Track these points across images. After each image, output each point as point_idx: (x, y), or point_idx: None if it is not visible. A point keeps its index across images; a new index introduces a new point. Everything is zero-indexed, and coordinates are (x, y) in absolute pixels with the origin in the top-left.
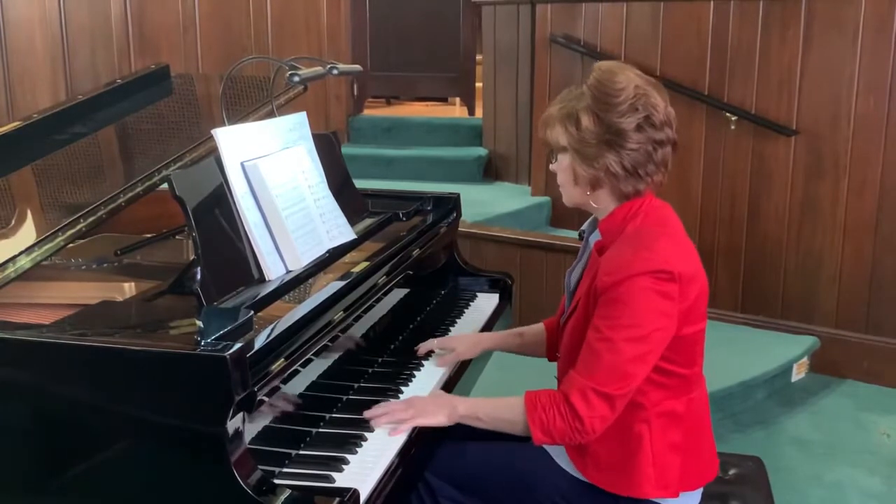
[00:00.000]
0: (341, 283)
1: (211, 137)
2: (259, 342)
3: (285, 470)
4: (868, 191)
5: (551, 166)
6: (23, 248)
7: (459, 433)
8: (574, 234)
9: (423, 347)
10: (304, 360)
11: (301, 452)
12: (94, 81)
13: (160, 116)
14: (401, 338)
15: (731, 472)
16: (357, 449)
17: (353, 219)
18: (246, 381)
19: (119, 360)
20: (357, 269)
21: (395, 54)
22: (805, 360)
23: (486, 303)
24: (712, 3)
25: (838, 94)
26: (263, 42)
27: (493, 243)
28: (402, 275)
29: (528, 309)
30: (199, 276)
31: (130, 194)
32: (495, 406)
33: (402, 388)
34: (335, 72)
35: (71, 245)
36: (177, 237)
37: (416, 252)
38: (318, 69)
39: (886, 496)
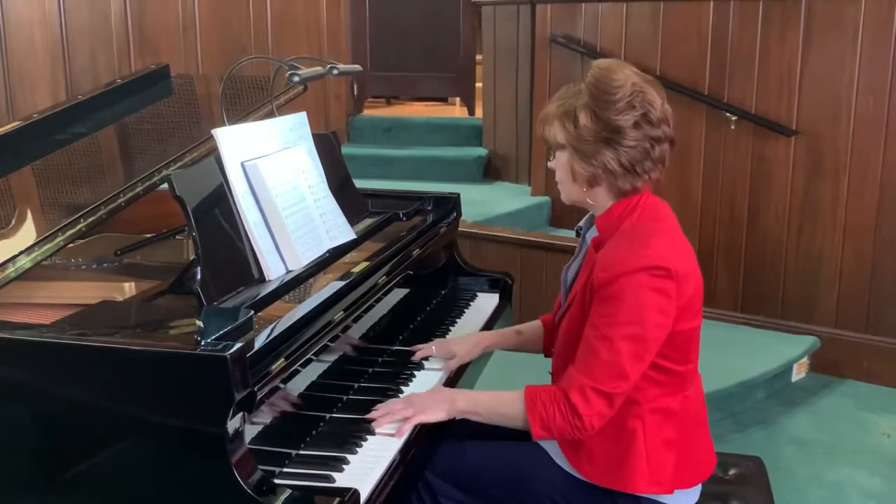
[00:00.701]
0: (341, 283)
1: (211, 137)
2: (259, 342)
3: (285, 470)
4: (868, 191)
5: (549, 163)
6: (23, 248)
7: (460, 432)
8: (574, 234)
9: (420, 353)
10: (304, 360)
11: (301, 452)
12: (94, 81)
13: (160, 116)
14: (401, 338)
15: (731, 472)
16: (357, 449)
17: (353, 219)
18: (246, 381)
19: (119, 360)
20: (357, 269)
21: (395, 54)
22: (805, 360)
23: (486, 303)
24: (712, 3)
25: (838, 94)
26: (263, 42)
27: (493, 243)
28: (402, 275)
29: (528, 309)
30: (199, 276)
31: (130, 194)
32: (495, 400)
33: (403, 388)
34: (335, 72)
35: (71, 245)
36: (177, 237)
37: (416, 252)
38: (318, 69)
39: (886, 496)
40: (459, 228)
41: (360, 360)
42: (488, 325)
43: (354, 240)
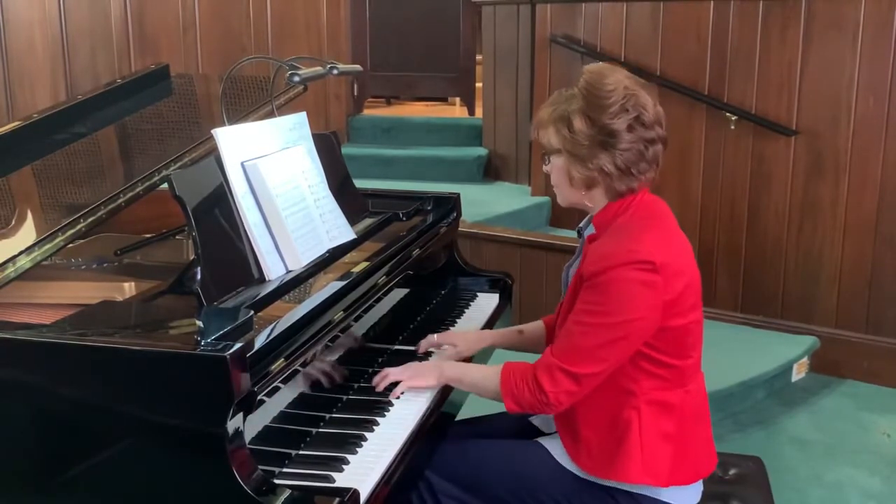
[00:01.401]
0: (341, 283)
1: (211, 137)
2: (259, 342)
3: (285, 470)
4: (868, 191)
5: (544, 168)
6: (23, 248)
7: (460, 432)
8: (574, 234)
9: (423, 344)
10: (304, 360)
11: (301, 452)
12: (94, 81)
13: (160, 116)
14: (401, 338)
15: (731, 472)
16: (357, 449)
17: (353, 219)
18: (246, 381)
19: (119, 360)
20: (357, 269)
21: (395, 54)
22: (805, 360)
23: (486, 303)
24: (712, 3)
25: (838, 94)
26: (263, 42)
27: (493, 243)
28: (402, 275)
29: (528, 309)
30: (199, 276)
31: (130, 194)
32: (478, 373)
33: None
34: (335, 72)
35: (71, 245)
36: (177, 237)
37: (416, 252)
38: (318, 69)
39: (886, 496)
40: (459, 228)
41: (361, 360)
42: (488, 325)
43: (354, 240)
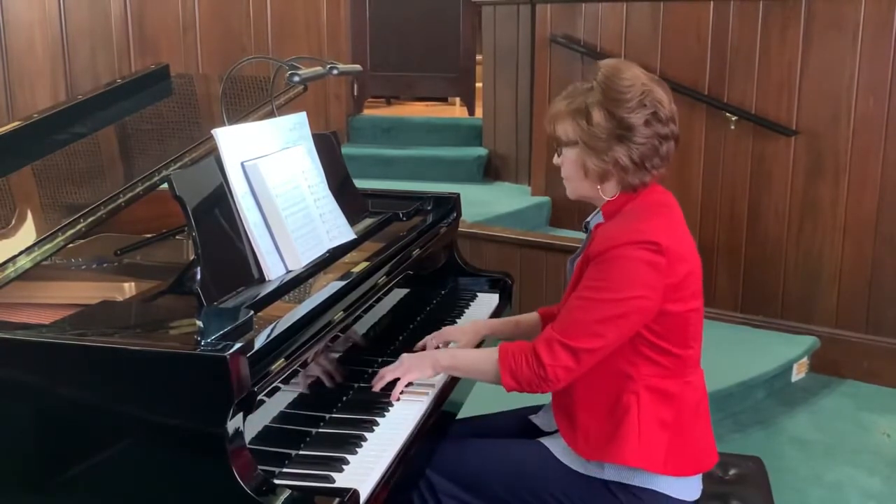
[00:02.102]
0: (341, 283)
1: (211, 137)
2: (259, 342)
3: (285, 470)
4: (868, 191)
5: (555, 160)
6: (23, 248)
7: (460, 431)
8: (574, 234)
9: (419, 346)
10: (304, 360)
11: (301, 452)
12: (94, 81)
13: (160, 116)
14: (401, 338)
15: (731, 472)
16: (357, 449)
17: (353, 219)
18: (246, 381)
19: (119, 360)
20: (357, 269)
21: (395, 54)
22: (805, 360)
23: (486, 303)
24: (712, 3)
25: (838, 94)
26: (263, 42)
27: (493, 243)
28: (402, 275)
29: (529, 309)
30: (199, 276)
31: (130, 194)
32: (473, 356)
33: None
34: (335, 72)
35: (71, 245)
36: (177, 237)
37: (416, 252)
38: (318, 69)
39: (886, 496)
40: (459, 228)
41: (360, 360)
42: None
43: (354, 240)
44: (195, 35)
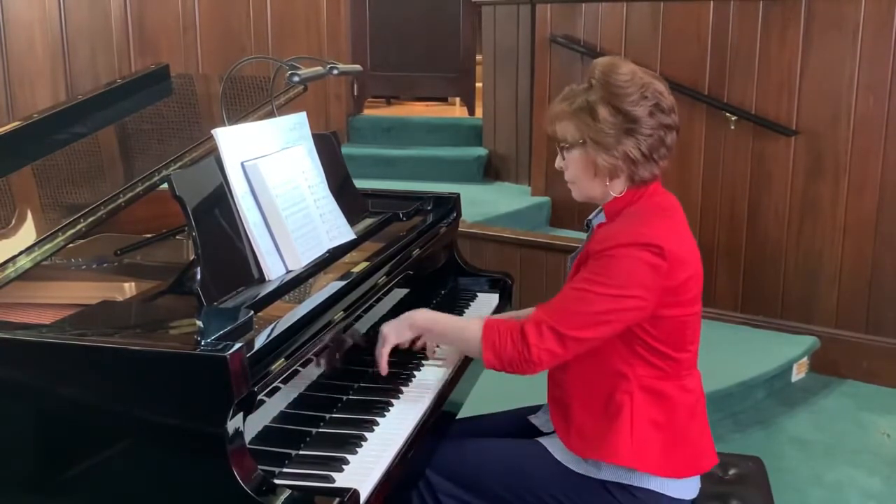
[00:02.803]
0: (341, 283)
1: (211, 137)
2: (259, 342)
3: (285, 470)
4: (868, 190)
5: (558, 164)
6: (23, 248)
7: (460, 431)
8: (574, 234)
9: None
10: (304, 360)
11: (301, 452)
12: (94, 81)
13: (160, 116)
14: None
15: (731, 472)
16: (357, 449)
17: (353, 219)
18: (246, 381)
19: (119, 360)
20: (357, 269)
21: (395, 54)
22: (805, 360)
23: (486, 303)
24: (712, 3)
25: (838, 94)
26: (263, 42)
27: (493, 243)
28: (402, 275)
29: None
30: (199, 276)
31: (130, 194)
32: (454, 323)
33: (403, 388)
34: (335, 72)
35: (71, 245)
36: (177, 237)
37: (416, 252)
38: (318, 69)
39: (886, 496)
40: (459, 228)
41: (360, 360)
42: None
43: (354, 240)
44: (195, 35)
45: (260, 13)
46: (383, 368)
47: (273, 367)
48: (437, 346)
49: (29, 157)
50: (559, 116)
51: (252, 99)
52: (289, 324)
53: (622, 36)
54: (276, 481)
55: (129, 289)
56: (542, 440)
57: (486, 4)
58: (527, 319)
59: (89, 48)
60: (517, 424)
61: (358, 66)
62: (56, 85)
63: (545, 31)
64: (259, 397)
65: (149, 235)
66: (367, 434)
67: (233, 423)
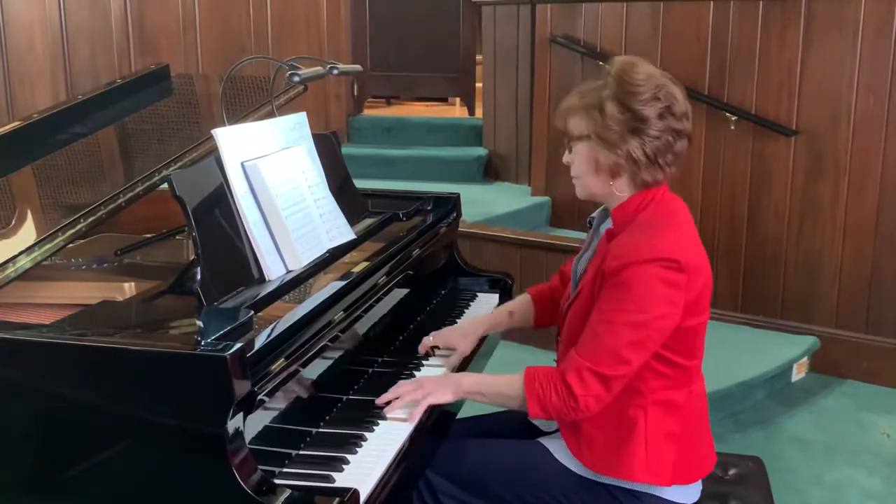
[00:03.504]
0: (341, 283)
1: (211, 137)
2: (259, 342)
3: (285, 470)
4: (868, 191)
5: (565, 158)
6: (23, 248)
7: (460, 431)
8: (574, 234)
9: (423, 348)
10: (304, 360)
11: (301, 452)
12: (94, 81)
13: (160, 116)
14: (401, 338)
15: (731, 472)
16: (357, 449)
17: (353, 219)
18: (246, 381)
19: (119, 360)
20: (357, 269)
21: (395, 54)
22: (805, 360)
23: (486, 303)
24: (712, 3)
25: (838, 94)
26: (263, 42)
27: (493, 243)
28: (402, 275)
29: None
30: (199, 276)
31: (130, 194)
32: (497, 382)
33: None
34: (335, 72)
35: (71, 245)
36: (177, 237)
37: (416, 252)
38: (318, 69)
39: (886, 496)
40: (459, 228)
41: (360, 360)
42: None
43: (354, 240)
44: (195, 35)
45: (260, 13)
46: (412, 418)
47: (273, 367)
48: (437, 348)
49: (29, 157)
50: (570, 109)
51: (252, 99)
52: (289, 324)
53: (622, 36)
54: (276, 481)
55: (129, 289)
56: (543, 440)
57: (486, 4)
58: (566, 367)
59: (89, 48)
60: (518, 424)
61: (358, 66)
62: (56, 85)
63: (545, 31)
64: (259, 397)
65: (149, 235)
66: (367, 434)
67: (233, 423)
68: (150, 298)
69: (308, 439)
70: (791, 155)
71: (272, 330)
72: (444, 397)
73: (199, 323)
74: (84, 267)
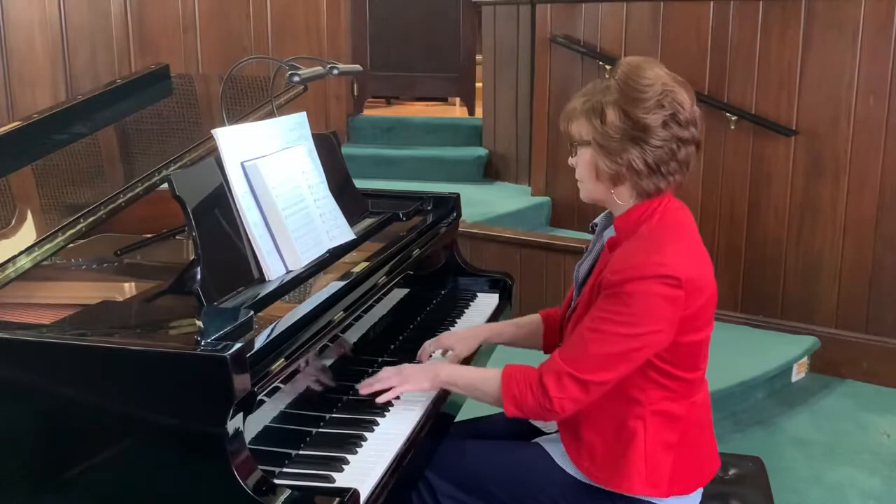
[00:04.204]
0: (341, 283)
1: (211, 137)
2: (259, 342)
3: (285, 470)
4: (868, 190)
5: (570, 161)
6: (23, 248)
7: (460, 432)
8: (574, 234)
9: (421, 355)
10: (304, 360)
11: (301, 452)
12: (94, 81)
13: (160, 116)
14: (401, 338)
15: (731, 472)
16: (357, 449)
17: (353, 219)
18: (246, 381)
19: (119, 360)
20: (357, 269)
21: (395, 54)
22: (805, 360)
23: (486, 303)
24: (712, 3)
25: (838, 94)
26: (263, 42)
27: (493, 243)
28: (402, 275)
29: (528, 309)
30: (199, 276)
31: (130, 194)
32: (475, 376)
33: None
34: (335, 72)
35: (71, 245)
36: (177, 237)
37: (416, 252)
38: (318, 69)
39: (886, 496)
40: (459, 228)
41: (360, 360)
42: None
43: (354, 240)
44: (195, 35)
45: (260, 13)
46: (382, 399)
47: (273, 367)
48: (435, 350)
49: (29, 157)
50: (572, 113)
51: (252, 99)
52: (289, 324)
53: (622, 36)
54: (276, 481)
55: (129, 289)
56: (543, 443)
57: (486, 4)
58: (546, 368)
59: (89, 48)
60: (518, 425)
61: (358, 66)
62: (56, 85)
63: (545, 31)
64: (259, 397)
65: (149, 235)
66: (367, 434)
67: (233, 423)
68: (150, 298)
69: (308, 439)
70: (791, 155)
71: (272, 330)
72: (420, 386)
73: (199, 323)
74: (84, 267)
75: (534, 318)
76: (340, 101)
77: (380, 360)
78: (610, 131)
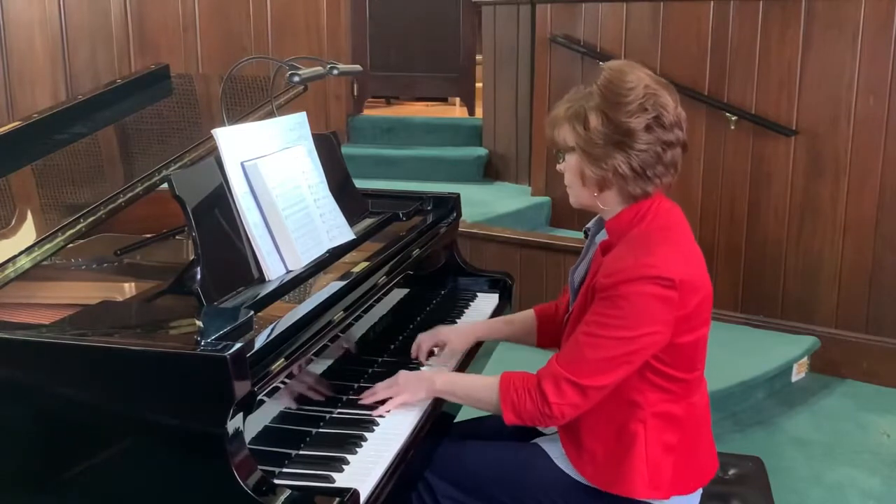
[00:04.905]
0: (341, 283)
1: (211, 137)
2: (259, 342)
3: (285, 470)
4: (868, 190)
5: (558, 167)
6: (23, 248)
7: (460, 432)
8: (574, 234)
9: (414, 350)
10: (304, 360)
11: (301, 452)
12: (94, 81)
13: (160, 116)
14: (401, 338)
15: (731, 472)
16: (357, 449)
17: (353, 219)
18: (246, 381)
19: (119, 360)
20: (357, 269)
21: (395, 54)
22: (805, 360)
23: (486, 303)
24: (712, 3)
25: (838, 94)
26: (263, 42)
27: (494, 243)
28: (402, 275)
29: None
30: (199, 276)
31: (130, 194)
32: (472, 384)
33: None
34: (335, 72)
35: (71, 245)
36: (177, 237)
37: (416, 252)
38: (318, 69)
39: (886, 496)
40: (459, 228)
41: (360, 360)
42: None
43: (354, 240)
44: (195, 35)
45: (260, 13)
46: (380, 411)
47: (273, 367)
48: (436, 348)
49: (29, 157)
50: (556, 120)
51: (252, 99)
52: (289, 324)
53: (622, 36)
54: (276, 481)
55: (129, 289)
56: (542, 444)
57: (486, 4)
58: (544, 374)
59: (89, 48)
60: (517, 426)
61: (358, 66)
62: (56, 85)
63: (545, 31)
64: (259, 397)
65: (149, 235)
66: (367, 434)
67: (233, 423)
68: (150, 298)
69: (308, 439)
70: (791, 155)
71: (272, 330)
72: (415, 396)
73: (199, 323)
74: (84, 267)
75: (527, 314)
76: (340, 101)
77: (380, 359)
78: (594, 137)
